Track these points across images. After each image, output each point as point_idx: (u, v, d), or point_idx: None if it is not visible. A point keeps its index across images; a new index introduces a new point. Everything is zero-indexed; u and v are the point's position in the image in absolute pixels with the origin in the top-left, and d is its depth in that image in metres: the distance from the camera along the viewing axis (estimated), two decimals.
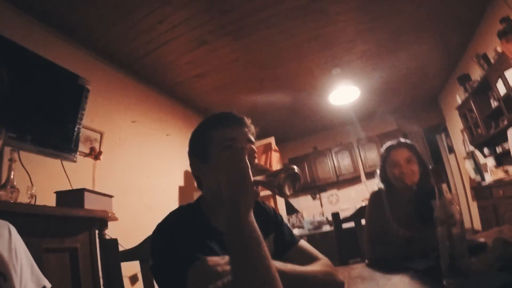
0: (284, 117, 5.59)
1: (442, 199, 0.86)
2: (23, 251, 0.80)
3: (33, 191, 1.64)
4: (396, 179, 1.54)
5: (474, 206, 4.54)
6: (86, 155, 2.65)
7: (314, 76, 4.18)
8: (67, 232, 1.62)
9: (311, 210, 6.41)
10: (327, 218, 5.33)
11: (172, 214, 0.86)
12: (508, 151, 3.34)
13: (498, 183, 3.32)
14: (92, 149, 2.71)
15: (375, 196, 1.64)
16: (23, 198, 1.58)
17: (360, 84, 4.34)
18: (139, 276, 1.30)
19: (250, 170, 0.66)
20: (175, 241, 0.75)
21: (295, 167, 0.68)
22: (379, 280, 1.06)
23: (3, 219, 0.88)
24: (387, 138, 5.86)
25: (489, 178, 3.65)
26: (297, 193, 6.46)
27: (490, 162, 3.68)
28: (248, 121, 0.93)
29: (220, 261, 0.67)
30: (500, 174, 3.35)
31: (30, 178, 1.76)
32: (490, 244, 1.03)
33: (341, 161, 6.27)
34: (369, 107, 5.61)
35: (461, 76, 4.14)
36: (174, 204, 3.80)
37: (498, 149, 3.63)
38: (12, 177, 1.50)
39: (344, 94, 4.27)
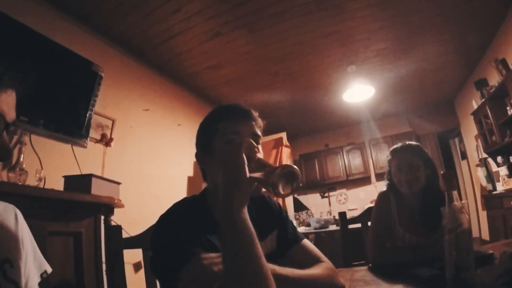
0: (296, 112, 5.55)
1: (452, 207, 0.82)
2: (27, 236, 0.79)
3: (42, 174, 1.67)
4: (399, 185, 1.50)
5: (483, 215, 4.43)
6: (97, 141, 2.68)
7: (329, 72, 4.12)
8: (72, 216, 1.65)
9: (319, 208, 6.37)
10: (334, 217, 5.28)
11: (176, 206, 0.86)
12: None
13: (509, 193, 3.23)
14: (103, 135, 2.75)
15: (383, 197, 1.59)
16: (31, 181, 1.61)
17: (375, 83, 4.26)
18: (143, 264, 1.31)
19: (245, 166, 0.64)
20: (175, 234, 0.75)
21: (293, 165, 0.65)
22: (381, 285, 1.04)
23: (10, 201, 0.88)
24: (400, 140, 5.74)
25: (500, 187, 3.56)
26: (305, 190, 6.45)
27: (503, 171, 3.57)
28: (255, 114, 0.90)
29: (216, 259, 0.66)
30: None
31: (40, 162, 1.79)
32: (497, 256, 0.99)
33: (352, 160, 6.20)
34: (383, 106, 5.52)
35: (478, 80, 4.03)
36: (182, 194, 3.84)
37: None
38: (21, 159, 1.53)
39: (358, 92, 4.20)
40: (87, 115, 2.26)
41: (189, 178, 4.05)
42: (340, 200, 6.46)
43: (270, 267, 0.71)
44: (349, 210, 6.11)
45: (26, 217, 0.79)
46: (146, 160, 3.29)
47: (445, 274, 0.81)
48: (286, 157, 5.21)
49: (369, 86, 4.14)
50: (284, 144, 5.22)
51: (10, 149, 0.65)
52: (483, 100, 3.85)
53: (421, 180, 1.45)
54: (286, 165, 0.64)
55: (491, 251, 1.12)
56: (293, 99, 4.89)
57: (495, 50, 3.65)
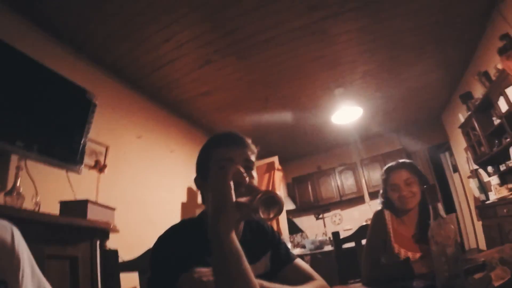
0: (288, 136, 5.64)
1: (438, 219, 0.86)
2: (26, 254, 0.75)
3: (38, 199, 1.67)
4: (397, 202, 1.53)
5: (479, 225, 4.46)
6: (91, 167, 2.69)
7: (318, 95, 4.25)
8: (69, 240, 1.64)
9: (314, 230, 6.31)
10: (329, 238, 5.24)
11: (174, 228, 0.90)
12: None
13: (502, 201, 3.28)
14: (97, 162, 2.76)
15: (378, 216, 1.62)
16: (28, 205, 1.61)
17: (362, 103, 4.39)
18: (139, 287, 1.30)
19: (231, 192, 0.67)
20: (172, 254, 0.79)
21: (274, 192, 0.69)
22: None
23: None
24: (391, 158, 5.84)
25: (493, 196, 3.61)
26: (299, 213, 6.41)
27: (494, 180, 3.65)
28: (248, 141, 0.95)
29: (207, 273, 0.69)
30: (504, 192, 3.32)
31: (35, 186, 1.79)
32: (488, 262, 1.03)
33: (344, 181, 6.25)
34: (373, 126, 5.63)
35: (463, 94, 4.15)
36: (176, 219, 3.73)
37: (502, 167, 3.60)
38: (18, 184, 1.54)
39: (347, 113, 4.31)
40: (82, 142, 2.28)
41: (183, 204, 4.02)
42: (334, 221, 6.44)
43: (259, 282, 0.74)
44: (344, 230, 6.07)
45: (24, 241, 0.77)
46: (139, 186, 3.28)
47: (436, 285, 0.84)
48: (278, 181, 5.24)
49: (357, 107, 4.26)
50: (276, 168, 5.25)
51: None
52: (469, 113, 3.96)
53: (417, 196, 1.48)
54: (268, 191, 0.68)
55: (483, 259, 1.15)
56: (284, 122, 4.97)
57: (477, 64, 3.77)
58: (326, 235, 6.10)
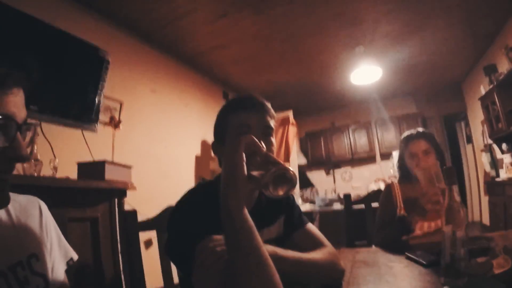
0: (303, 91, 5.51)
1: (452, 201, 0.88)
2: (52, 226, 0.81)
3: (56, 163, 1.73)
4: (416, 169, 1.56)
5: (485, 200, 4.46)
6: (106, 124, 2.72)
7: (337, 53, 4.06)
8: (88, 202, 1.72)
9: (324, 185, 6.46)
10: (338, 195, 5.38)
11: (190, 194, 0.91)
12: None
13: None
14: (112, 118, 2.78)
15: (388, 190, 1.68)
16: (46, 170, 1.67)
17: (382, 63, 4.18)
18: (154, 241, 1.39)
19: (243, 164, 0.64)
20: (188, 222, 0.81)
21: (288, 168, 0.63)
22: (381, 268, 1.10)
23: (29, 193, 0.90)
24: (406, 121, 5.74)
25: (504, 174, 3.56)
26: (310, 167, 6.51)
27: (507, 158, 3.56)
28: (268, 105, 0.92)
29: (222, 241, 0.69)
30: None
31: (52, 150, 1.84)
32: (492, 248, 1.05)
33: (357, 140, 6.20)
34: (391, 87, 5.43)
35: (487, 66, 3.94)
36: (190, 173, 3.93)
37: None
38: (35, 150, 1.58)
39: (365, 73, 4.14)
40: (96, 100, 2.29)
41: (197, 158, 4.11)
42: (344, 178, 6.53)
43: (272, 249, 0.76)
44: (353, 187, 6.20)
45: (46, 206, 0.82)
46: (154, 140, 3.34)
47: (441, 261, 0.87)
48: (292, 136, 5.23)
49: (377, 67, 4.07)
50: (291, 122, 5.22)
51: (26, 156, 0.64)
52: (491, 86, 3.77)
53: (434, 165, 1.50)
54: (281, 167, 0.63)
55: (486, 242, 1.17)
56: (300, 78, 4.84)
57: (505, 37, 3.55)
58: (335, 191, 6.26)
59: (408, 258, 1.14)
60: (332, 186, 6.52)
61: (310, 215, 4.46)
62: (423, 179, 1.46)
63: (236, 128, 0.86)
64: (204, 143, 4.21)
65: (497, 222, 3.59)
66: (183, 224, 0.82)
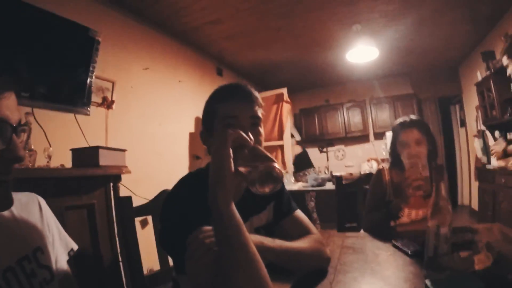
0: (298, 68, 5.43)
1: (438, 197, 0.90)
2: (52, 220, 0.84)
3: (50, 151, 1.71)
4: (405, 158, 1.58)
5: (475, 185, 4.56)
6: (99, 105, 2.67)
7: (333, 30, 3.96)
8: (84, 189, 1.73)
9: (317, 163, 6.51)
10: (331, 173, 5.45)
11: (181, 183, 0.92)
12: None
13: (502, 170, 3.29)
14: (104, 98, 2.72)
15: (378, 175, 1.71)
16: (40, 159, 1.65)
17: (379, 42, 4.11)
18: (149, 219, 1.42)
19: (229, 162, 0.64)
20: (180, 213, 0.82)
21: (275, 166, 0.65)
22: (368, 255, 1.15)
23: (25, 185, 0.92)
24: (401, 101, 5.74)
25: (495, 162, 3.61)
26: (304, 144, 6.54)
27: (498, 146, 3.60)
28: (255, 94, 0.91)
29: (212, 232, 0.70)
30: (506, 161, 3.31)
31: (46, 136, 1.81)
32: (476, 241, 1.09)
33: (351, 118, 6.20)
34: (387, 67, 5.38)
35: (485, 52, 3.90)
36: (184, 151, 3.93)
37: (509, 136, 3.51)
38: (30, 140, 1.55)
39: (362, 52, 4.07)
40: (88, 82, 2.23)
41: (191, 134, 4.09)
42: (337, 156, 6.59)
43: (258, 240, 0.78)
44: (346, 166, 6.29)
45: (42, 197, 0.84)
46: (148, 119, 3.30)
47: (424, 253, 0.90)
48: (286, 113, 5.22)
49: (373, 47, 4.00)
50: (285, 100, 5.20)
51: (23, 156, 0.66)
52: (488, 73, 3.76)
53: (424, 156, 1.54)
54: (268, 165, 0.64)
55: (470, 236, 1.21)
56: (295, 55, 4.76)
57: (506, 24, 3.49)
58: (328, 169, 6.33)
59: (394, 246, 1.19)
60: (325, 163, 6.60)
61: (302, 195, 4.53)
62: (408, 164, 1.48)
63: (224, 119, 0.86)
64: (198, 120, 4.17)
65: (486, 209, 3.67)
66: (175, 215, 0.84)
